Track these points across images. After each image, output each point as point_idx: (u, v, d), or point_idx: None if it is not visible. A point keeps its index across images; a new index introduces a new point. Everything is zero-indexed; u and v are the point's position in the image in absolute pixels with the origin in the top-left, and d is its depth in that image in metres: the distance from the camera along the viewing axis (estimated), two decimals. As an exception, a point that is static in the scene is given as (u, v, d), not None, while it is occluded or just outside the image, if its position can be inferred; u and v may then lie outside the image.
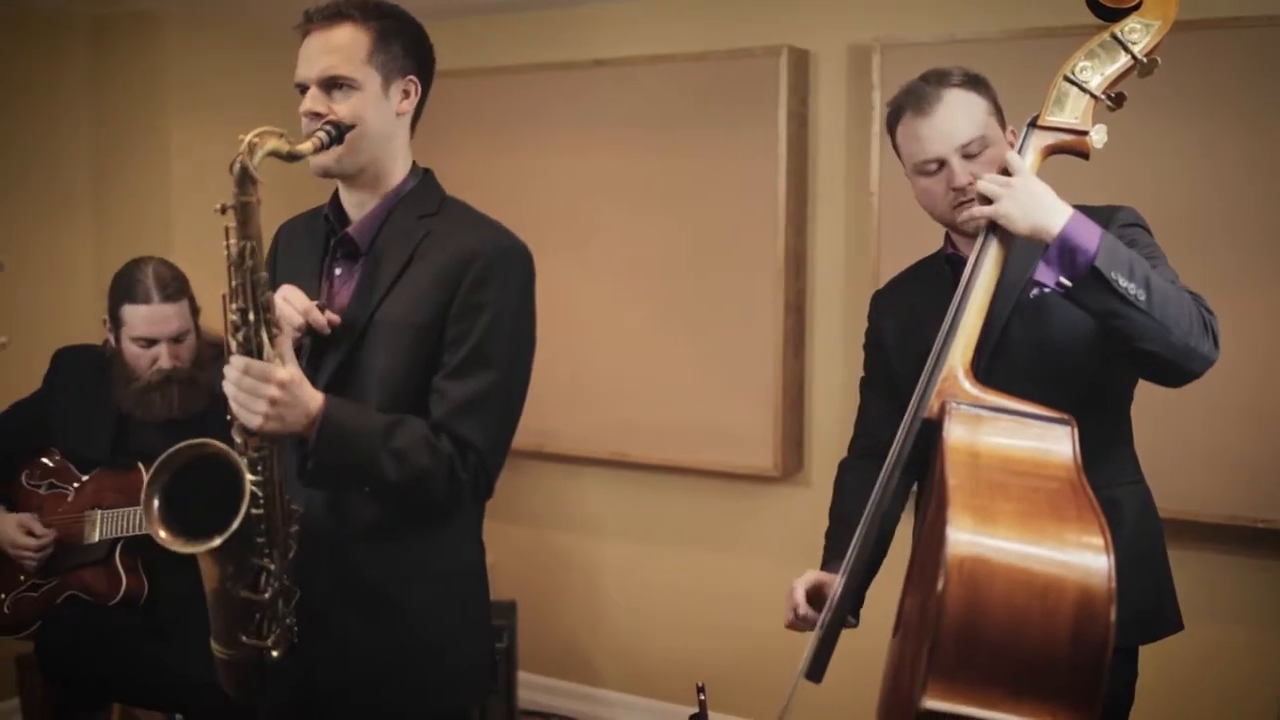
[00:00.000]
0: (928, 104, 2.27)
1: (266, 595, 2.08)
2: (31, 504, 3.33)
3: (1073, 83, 2.14)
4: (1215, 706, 3.61)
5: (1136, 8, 2.15)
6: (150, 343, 3.22)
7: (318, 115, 2.12)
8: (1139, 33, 2.13)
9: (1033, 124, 2.16)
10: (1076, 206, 2.08)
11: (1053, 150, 2.15)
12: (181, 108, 4.55)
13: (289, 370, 2.00)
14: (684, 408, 4.31)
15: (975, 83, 2.30)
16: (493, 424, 2.17)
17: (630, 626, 4.63)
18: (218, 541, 1.96)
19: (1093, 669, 1.68)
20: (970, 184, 2.22)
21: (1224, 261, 3.38)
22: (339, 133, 2.08)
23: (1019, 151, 2.15)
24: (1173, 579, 2.42)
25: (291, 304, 2.13)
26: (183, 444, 2.04)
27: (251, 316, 1.99)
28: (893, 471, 2.17)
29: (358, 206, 2.26)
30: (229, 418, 2.03)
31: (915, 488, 2.45)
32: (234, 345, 2.01)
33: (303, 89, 2.17)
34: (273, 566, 2.07)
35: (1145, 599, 2.30)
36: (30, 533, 3.26)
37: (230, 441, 2.03)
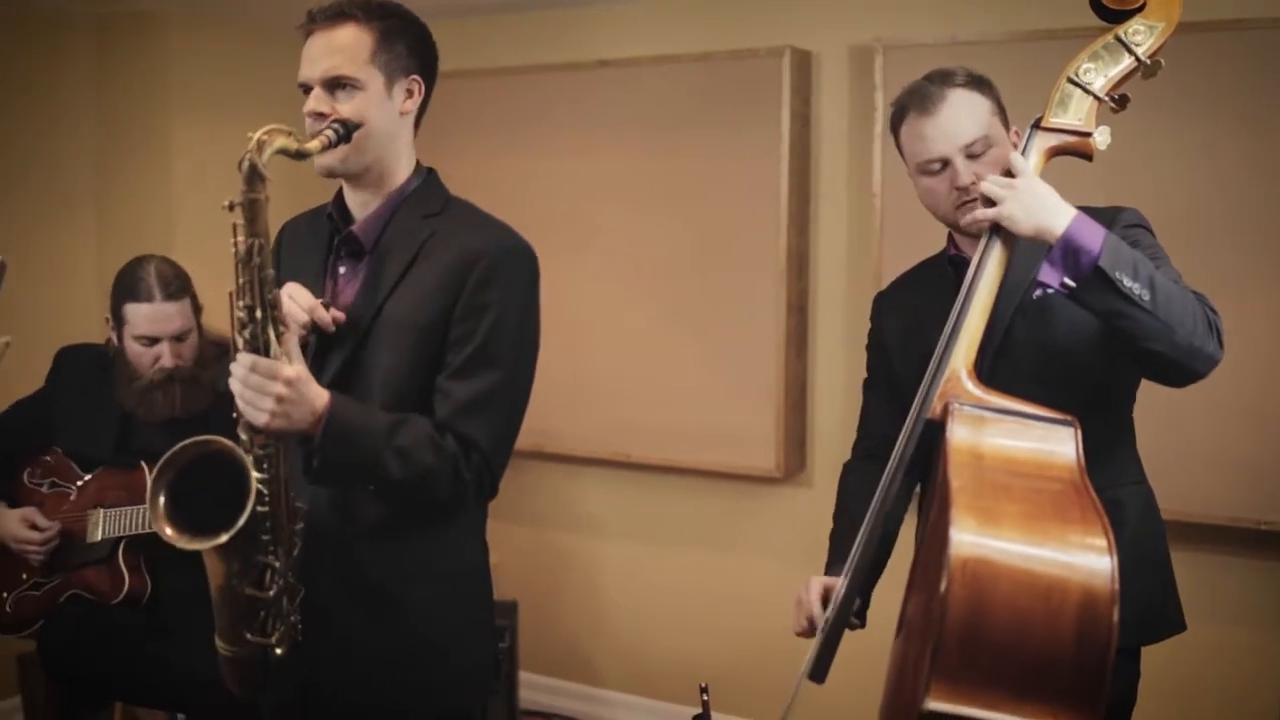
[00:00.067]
0: (931, 103, 2.27)
1: (271, 593, 2.08)
2: (33, 503, 3.33)
3: (1076, 84, 2.14)
4: (1215, 707, 3.61)
5: (1140, 9, 2.15)
6: (152, 341, 3.22)
7: (321, 115, 2.12)
8: (1142, 34, 2.13)
9: (1036, 125, 2.16)
10: (1079, 208, 2.08)
11: (1056, 152, 2.15)
12: (183, 107, 4.55)
13: (295, 368, 2.01)
14: (686, 408, 4.31)
15: (979, 83, 2.30)
16: (497, 424, 2.17)
17: (632, 627, 4.63)
18: (224, 538, 1.96)
19: (1096, 670, 1.68)
20: (973, 184, 2.22)
21: (1225, 262, 3.38)
22: (347, 131, 2.08)
23: (1022, 153, 2.15)
24: (1175, 579, 2.43)
25: (296, 301, 2.13)
26: (189, 441, 2.04)
27: (258, 314, 2.00)
28: (896, 472, 2.16)
29: (361, 206, 2.26)
30: (235, 415, 2.04)
31: (918, 489, 2.45)
32: (240, 342, 2.02)
33: (306, 89, 2.17)
34: (278, 564, 2.08)
35: (1148, 600, 2.30)
36: (34, 526, 3.26)
37: (236, 439, 2.03)
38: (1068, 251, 2.02)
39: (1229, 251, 3.42)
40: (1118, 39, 2.14)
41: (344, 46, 2.13)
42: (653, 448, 4.40)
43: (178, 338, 3.24)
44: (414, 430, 2.08)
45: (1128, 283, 2.00)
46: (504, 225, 2.26)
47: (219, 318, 3.33)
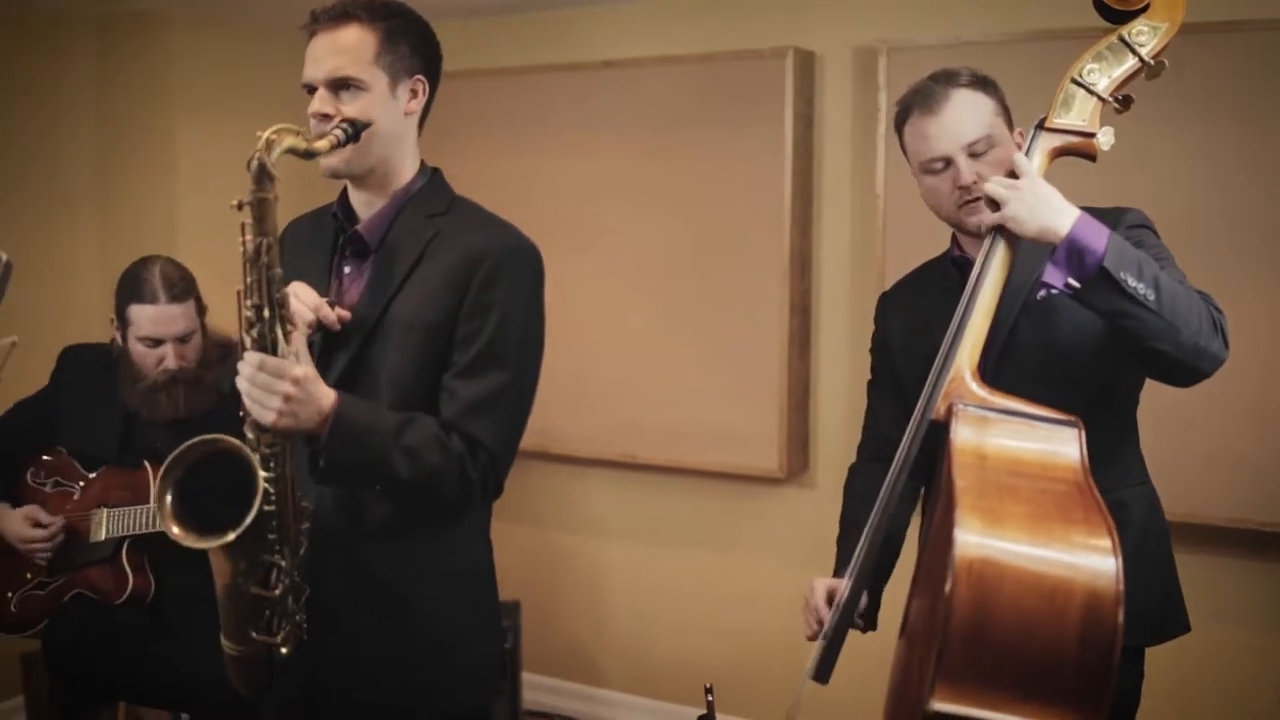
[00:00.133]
0: (935, 103, 2.28)
1: (277, 592, 2.09)
2: (36, 502, 3.33)
3: (1080, 85, 2.15)
4: (1216, 707, 3.61)
5: (1144, 10, 2.15)
6: (156, 343, 3.22)
7: (326, 117, 2.12)
8: (1146, 35, 2.14)
9: (1040, 126, 2.17)
10: (1083, 208, 2.09)
11: (1060, 152, 2.16)
12: (184, 107, 4.55)
13: (303, 367, 2.01)
14: (689, 409, 4.31)
15: (983, 83, 2.31)
16: (503, 423, 2.17)
17: (635, 627, 4.63)
18: (231, 537, 1.96)
19: (1100, 670, 1.68)
20: (976, 183, 2.23)
21: (1225, 262, 3.37)
22: (355, 131, 2.09)
23: (1026, 153, 2.15)
24: (1179, 580, 2.43)
25: (301, 300, 2.13)
26: (196, 440, 2.04)
27: (266, 313, 2.00)
28: (900, 473, 2.17)
29: (366, 205, 2.26)
30: (241, 414, 2.04)
31: (922, 491, 2.45)
32: (248, 342, 2.02)
33: (310, 89, 2.17)
34: (284, 563, 2.08)
35: (1152, 600, 2.30)
36: (38, 524, 3.26)
37: (241, 438, 2.04)
38: (1072, 252, 2.02)
39: (1228, 251, 3.42)
40: (1121, 40, 2.14)
41: (348, 47, 2.13)
42: (656, 448, 4.40)
43: (182, 339, 3.23)
44: (421, 430, 2.08)
45: (1132, 283, 2.00)
46: (509, 225, 2.26)
47: (222, 318, 3.34)
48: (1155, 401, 2.43)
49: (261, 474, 2.00)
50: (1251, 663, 3.60)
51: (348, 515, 2.20)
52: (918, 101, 2.32)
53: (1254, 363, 3.37)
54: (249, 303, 2.00)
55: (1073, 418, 1.98)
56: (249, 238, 1.98)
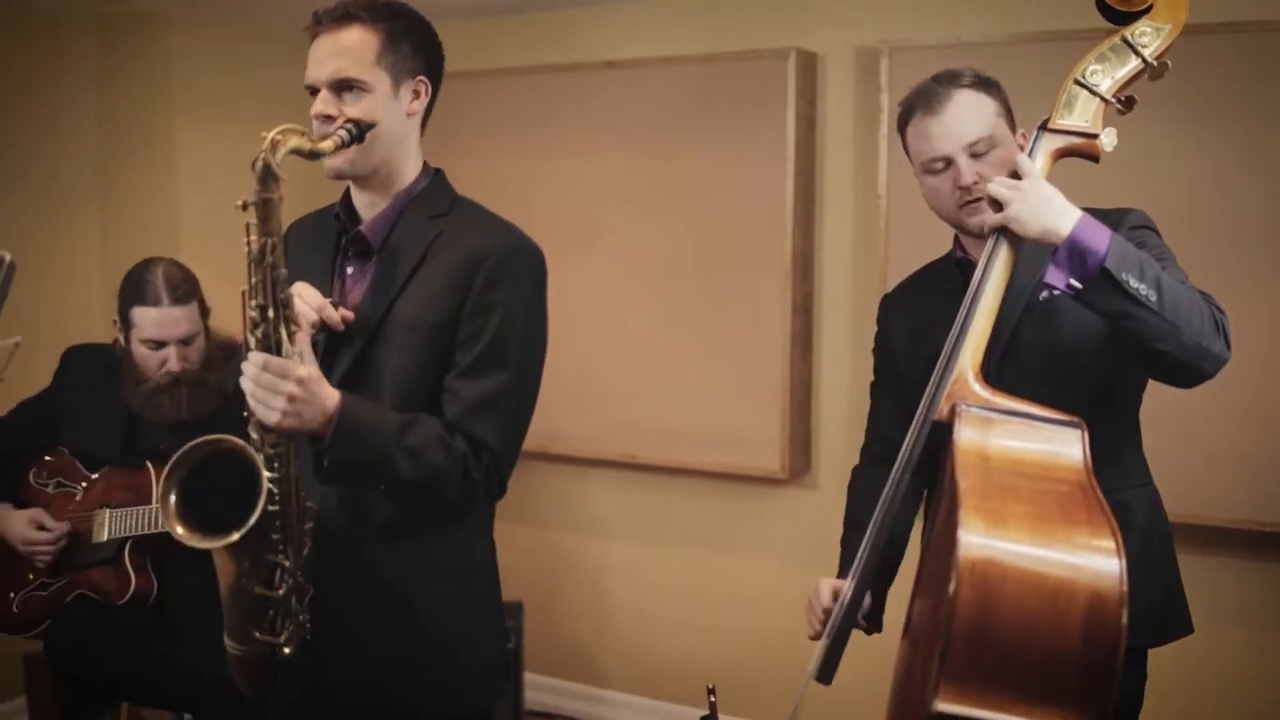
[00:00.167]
0: (937, 103, 2.28)
1: (281, 592, 2.09)
2: (39, 502, 3.33)
3: (1083, 86, 2.15)
4: (1215, 707, 3.61)
5: (1147, 11, 2.15)
6: (159, 345, 3.22)
7: (329, 118, 2.13)
8: (1149, 36, 2.14)
9: (1043, 127, 2.17)
10: (1084, 209, 2.09)
11: (1063, 153, 2.16)
12: (185, 107, 4.56)
13: (308, 367, 2.01)
14: (691, 409, 4.31)
15: (986, 84, 2.31)
16: (506, 423, 2.18)
17: (637, 628, 4.63)
18: (236, 536, 1.96)
19: (1104, 671, 1.69)
20: (976, 183, 2.24)
21: (1225, 263, 3.37)
22: (360, 131, 2.09)
23: (1029, 154, 2.15)
24: (1181, 581, 2.43)
25: (305, 301, 2.13)
26: (200, 440, 2.04)
27: (271, 313, 2.00)
28: (903, 474, 2.17)
29: (369, 206, 2.27)
30: (246, 414, 2.04)
31: (925, 492, 2.45)
32: (253, 342, 2.02)
33: (313, 91, 2.17)
34: (287, 563, 2.08)
35: (1155, 601, 2.30)
36: (42, 527, 3.26)
37: (246, 439, 2.04)
38: (1074, 253, 2.02)
39: (1228, 251, 3.42)
40: (1124, 41, 2.15)
41: (350, 49, 2.13)
42: (658, 449, 4.40)
43: (185, 341, 3.23)
44: (424, 430, 2.09)
45: (1134, 283, 2.00)
46: (511, 225, 2.27)
47: (224, 319, 3.35)
48: (1155, 402, 2.42)
49: (265, 474, 2.00)
50: (1251, 663, 3.60)
51: (351, 515, 2.20)
52: (920, 102, 2.32)
53: (1254, 363, 3.37)
54: (254, 303, 2.01)
55: (1075, 418, 1.99)
56: (254, 238, 1.99)
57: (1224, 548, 3.58)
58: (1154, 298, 2.01)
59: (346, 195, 2.31)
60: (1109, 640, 1.68)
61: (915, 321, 2.50)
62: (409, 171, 2.26)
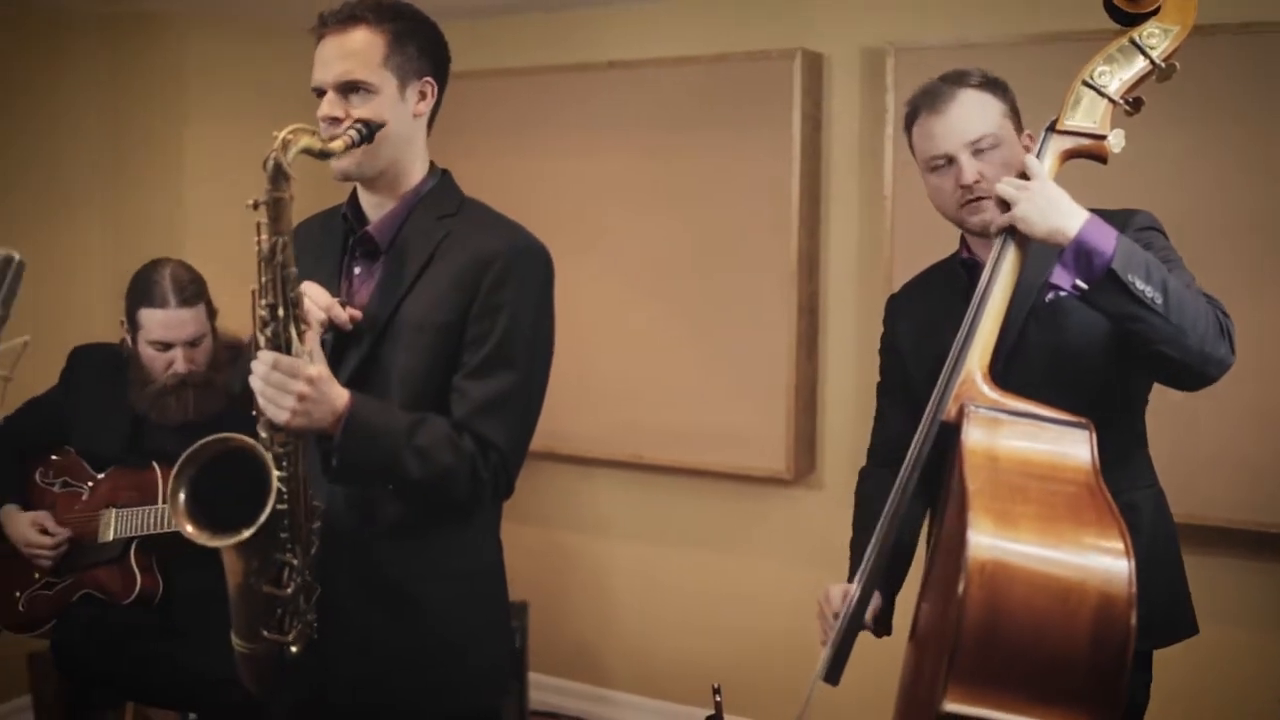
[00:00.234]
0: (941, 102, 2.29)
1: (289, 590, 2.09)
2: (45, 502, 3.34)
3: (1091, 87, 2.15)
4: (1215, 707, 3.60)
5: (1155, 12, 2.15)
6: (166, 346, 3.22)
7: (336, 120, 2.13)
8: (1157, 38, 2.14)
9: (1051, 128, 2.17)
10: (1091, 210, 2.09)
11: (1071, 154, 2.16)
12: (191, 107, 4.57)
13: (317, 366, 2.02)
14: (696, 409, 4.31)
15: (993, 85, 2.31)
16: (513, 424, 2.18)
17: (641, 628, 4.63)
18: (247, 534, 1.96)
19: (1113, 672, 1.69)
20: (977, 182, 2.24)
21: (1225, 263, 3.35)
22: (369, 131, 2.09)
23: (1037, 155, 2.15)
24: (1187, 582, 2.43)
25: (313, 300, 2.14)
26: (209, 438, 2.04)
27: (281, 312, 2.00)
28: (911, 475, 2.17)
29: (376, 207, 2.27)
30: (255, 413, 2.04)
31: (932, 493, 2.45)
32: (262, 341, 2.02)
33: (319, 93, 2.17)
34: (295, 562, 2.08)
35: (1162, 603, 2.29)
36: (44, 531, 3.27)
37: (255, 438, 2.04)
38: (1080, 254, 2.02)
39: (1228, 252, 3.41)
40: (1132, 42, 2.15)
41: (357, 50, 2.13)
42: (663, 449, 4.40)
43: (191, 343, 3.24)
44: (433, 430, 2.09)
45: (1140, 285, 2.00)
46: (518, 226, 2.27)
47: (231, 319, 3.35)
48: (1155, 402, 2.42)
49: (275, 473, 2.00)
50: (1251, 663, 3.60)
51: (359, 515, 2.20)
52: (925, 101, 2.33)
53: (1255, 363, 3.36)
54: (264, 302, 2.01)
55: (1083, 419, 1.99)
56: (264, 237, 1.99)
57: (1224, 548, 3.57)
58: (1159, 300, 2.01)
59: (354, 196, 2.31)
60: (1118, 641, 1.69)
61: (922, 322, 2.50)
62: (416, 172, 2.27)
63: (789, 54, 4.04)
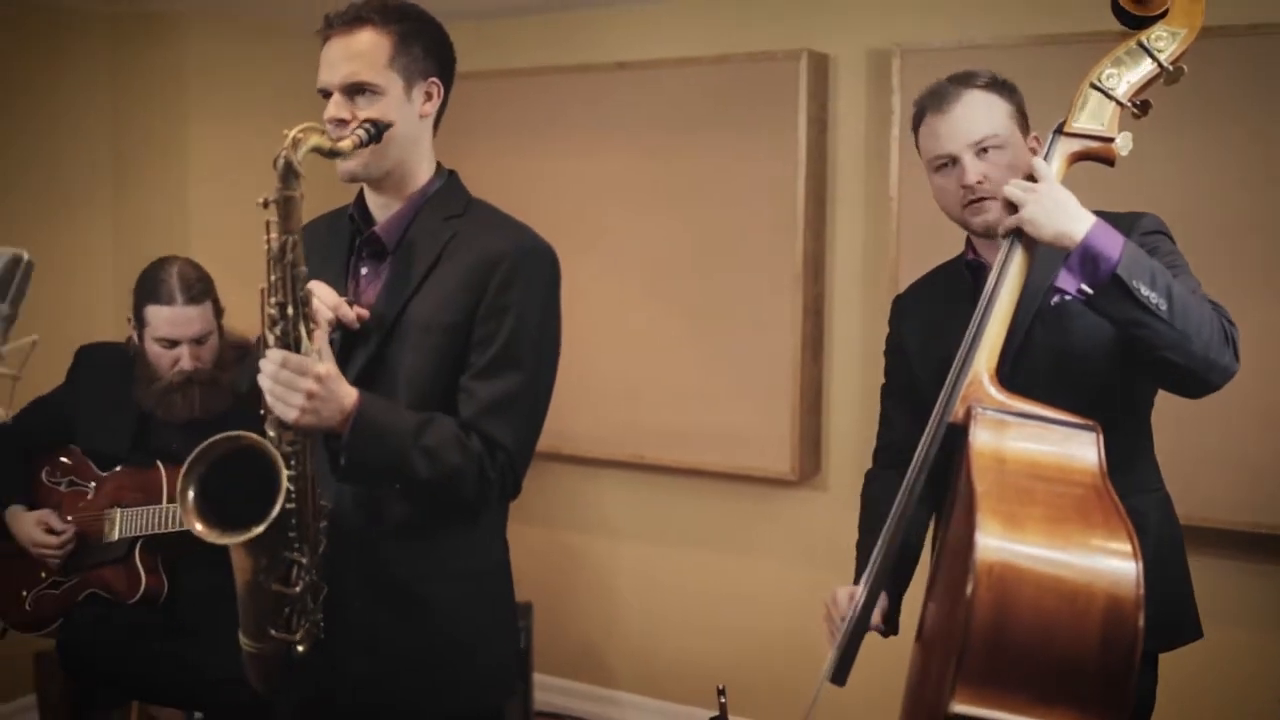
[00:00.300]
0: (947, 102, 2.29)
1: (298, 589, 2.09)
2: (51, 501, 3.34)
3: (1099, 89, 2.14)
4: (1216, 707, 3.60)
5: (1163, 15, 2.15)
6: (173, 344, 3.23)
7: (342, 122, 2.13)
8: (1165, 40, 2.14)
9: (1059, 130, 2.16)
10: (1098, 213, 2.09)
11: (1078, 157, 2.15)
12: (196, 106, 4.57)
13: (326, 365, 2.02)
14: (702, 410, 4.31)
15: (1000, 86, 2.31)
16: (520, 424, 2.18)
17: (646, 628, 4.63)
18: (259, 530, 1.97)
19: (1121, 674, 1.69)
20: (980, 182, 2.24)
21: (1225, 265, 3.34)
22: (378, 131, 2.09)
23: (1045, 158, 2.15)
24: (1192, 586, 2.43)
25: (321, 299, 2.13)
26: (219, 436, 2.05)
27: (290, 311, 2.01)
28: (918, 476, 2.17)
29: (383, 208, 2.27)
30: (263, 411, 2.05)
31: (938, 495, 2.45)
32: (271, 339, 2.03)
33: (325, 94, 2.17)
34: (304, 561, 2.09)
35: (1167, 607, 2.29)
36: (50, 529, 3.27)
37: (262, 436, 2.04)
38: (1086, 258, 2.02)
39: (1228, 254, 3.40)
40: (1140, 45, 2.15)
41: (362, 52, 2.13)
42: (668, 450, 4.40)
43: (198, 340, 3.24)
44: (441, 430, 2.09)
45: (1145, 291, 2.00)
46: (525, 226, 2.27)
47: (235, 318, 3.35)
48: (1156, 404, 2.41)
49: (284, 471, 2.00)
50: (1251, 663, 3.59)
51: (366, 514, 2.20)
52: (931, 101, 2.33)
53: (1255, 364, 3.35)
54: (273, 300, 2.01)
55: (1090, 421, 1.98)
56: (274, 235, 1.99)
57: (1223, 549, 3.57)
58: (1164, 306, 2.00)
59: (360, 196, 2.32)
60: (1126, 642, 1.68)
61: (927, 323, 2.50)
62: (422, 173, 2.27)
63: (794, 55, 4.04)
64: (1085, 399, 2.10)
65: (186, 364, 3.23)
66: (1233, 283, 3.24)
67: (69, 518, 3.30)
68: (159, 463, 3.30)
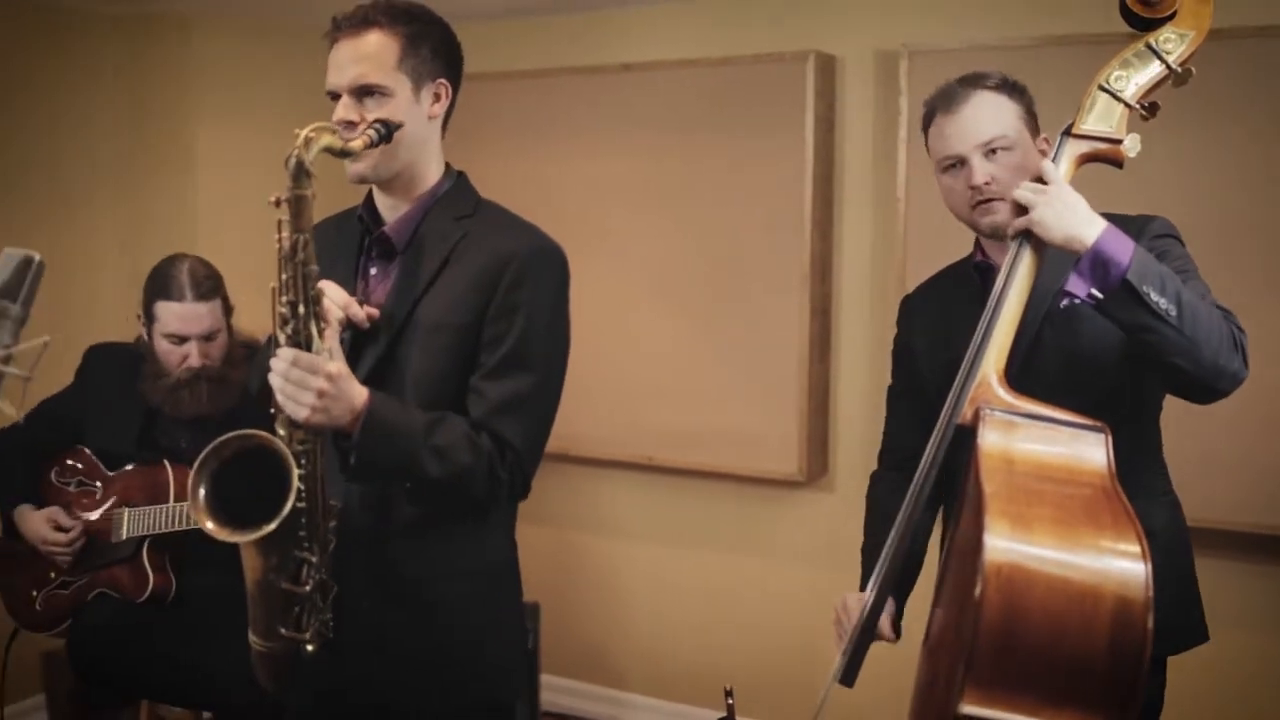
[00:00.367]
0: (956, 103, 2.30)
1: (308, 587, 2.10)
2: (60, 502, 3.35)
3: (1107, 91, 2.14)
4: (1216, 708, 3.59)
5: (1170, 17, 2.15)
6: (181, 340, 3.24)
7: (351, 124, 2.13)
8: (1173, 42, 2.14)
9: (1067, 132, 2.16)
10: (1108, 215, 2.08)
11: (1087, 159, 2.15)
12: (204, 107, 4.58)
13: (337, 364, 2.03)
14: (709, 411, 4.31)
15: (1010, 88, 2.31)
16: (530, 424, 2.19)
17: (654, 629, 4.63)
18: (272, 527, 1.97)
19: (1130, 676, 1.68)
20: (988, 183, 2.24)
21: (1227, 266, 3.33)
22: (388, 131, 2.10)
23: (1053, 159, 2.15)
24: (1199, 589, 2.43)
25: (331, 299, 2.14)
26: (231, 434, 2.05)
27: (301, 310, 2.01)
28: (926, 478, 2.17)
29: (392, 209, 2.28)
30: (273, 410, 2.05)
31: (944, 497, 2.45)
32: (282, 338, 2.03)
33: (334, 97, 2.18)
34: (314, 559, 2.09)
35: (1175, 610, 2.28)
36: (59, 527, 3.28)
37: (272, 434, 2.05)
38: (1096, 263, 2.02)
39: (1228, 255, 3.38)
40: (1148, 47, 2.15)
41: (370, 54, 2.14)
42: (675, 451, 4.40)
43: (206, 337, 3.25)
44: (451, 429, 2.10)
45: (1154, 297, 1.99)
46: (534, 227, 2.28)
47: (243, 318, 3.36)
48: (1167, 406, 2.42)
49: (295, 470, 2.01)
50: (1252, 663, 3.59)
51: (375, 514, 2.21)
52: (940, 102, 2.34)
53: (1257, 365, 3.33)
54: (284, 299, 2.02)
55: (1099, 423, 1.98)
56: (285, 234, 2.00)
57: (1225, 550, 3.56)
58: (1174, 313, 2.00)
59: (369, 197, 2.32)
60: (1135, 644, 1.68)
61: (936, 323, 2.50)
62: (431, 174, 2.27)
63: (802, 56, 4.04)
64: (1094, 401, 2.10)
65: (195, 361, 3.24)
66: (1233, 283, 3.23)
67: (77, 513, 3.31)
68: (166, 462, 3.30)
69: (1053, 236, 2.05)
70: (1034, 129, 2.32)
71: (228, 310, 3.32)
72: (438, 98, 2.23)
